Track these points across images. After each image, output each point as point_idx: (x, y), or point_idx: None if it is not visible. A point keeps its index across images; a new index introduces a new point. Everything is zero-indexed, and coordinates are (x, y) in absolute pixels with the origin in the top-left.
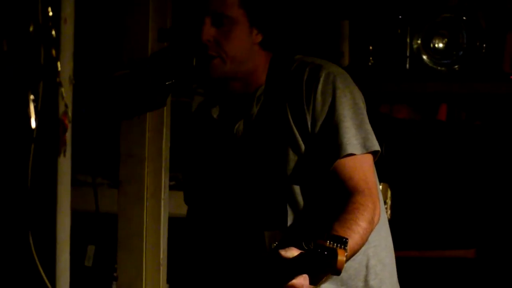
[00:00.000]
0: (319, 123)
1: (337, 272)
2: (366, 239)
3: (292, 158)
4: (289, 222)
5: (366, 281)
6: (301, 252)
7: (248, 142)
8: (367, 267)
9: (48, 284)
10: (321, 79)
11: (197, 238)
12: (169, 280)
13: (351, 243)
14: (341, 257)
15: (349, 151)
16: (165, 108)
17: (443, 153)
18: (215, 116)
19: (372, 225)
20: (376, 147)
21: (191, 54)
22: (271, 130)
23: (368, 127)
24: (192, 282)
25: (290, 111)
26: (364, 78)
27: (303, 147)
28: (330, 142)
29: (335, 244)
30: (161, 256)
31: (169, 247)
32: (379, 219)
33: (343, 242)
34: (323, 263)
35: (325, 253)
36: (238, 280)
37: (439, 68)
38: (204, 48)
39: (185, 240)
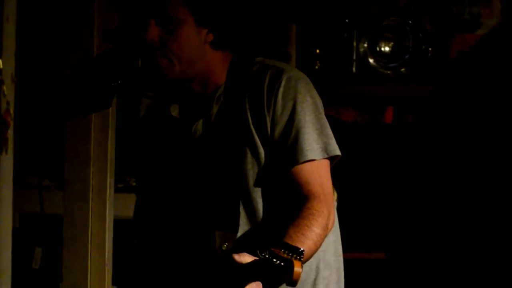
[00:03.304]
0: (279, 127)
1: (293, 283)
2: (320, 245)
3: (250, 160)
4: (243, 224)
5: (314, 284)
6: (255, 259)
7: (206, 142)
8: (316, 271)
9: None
10: (283, 83)
11: (145, 239)
12: (115, 282)
13: (305, 248)
14: (298, 268)
15: (309, 157)
16: (110, 109)
17: (388, 156)
18: (174, 114)
19: (326, 231)
20: (337, 151)
21: (137, 55)
22: (230, 132)
23: (329, 131)
24: (138, 283)
25: (250, 113)
26: (311, 81)
27: (261, 150)
28: (290, 147)
29: (291, 255)
30: (106, 257)
31: (116, 249)
32: (333, 225)
33: (299, 252)
34: (279, 274)
35: (282, 264)
36: (186, 281)
37: (385, 71)
38: (150, 48)
39: (132, 241)
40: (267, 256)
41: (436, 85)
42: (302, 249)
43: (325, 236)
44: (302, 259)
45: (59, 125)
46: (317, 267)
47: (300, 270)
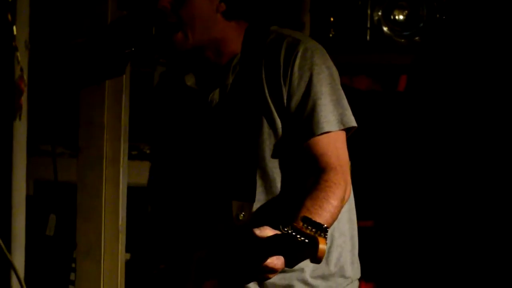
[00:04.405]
0: (295, 99)
1: (318, 260)
2: (337, 217)
3: (266, 131)
4: (260, 194)
5: (329, 252)
6: (276, 234)
7: (222, 112)
8: (330, 238)
9: (4, 248)
10: (299, 54)
11: (160, 207)
12: (128, 249)
13: (322, 221)
14: (322, 245)
15: (326, 129)
16: (124, 76)
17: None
18: (189, 83)
19: (343, 202)
20: (353, 123)
21: (150, 23)
22: (247, 102)
23: (345, 102)
24: (152, 251)
25: (266, 84)
26: (325, 49)
27: (278, 120)
28: (306, 119)
29: (314, 231)
30: (120, 223)
31: (129, 216)
32: (349, 196)
33: (323, 229)
34: (303, 250)
35: (306, 241)
36: (201, 249)
37: (399, 40)
38: (162, 15)
39: (146, 208)
40: (290, 231)
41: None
42: (325, 225)
43: (342, 207)
44: (326, 236)
45: (73, 92)
46: (332, 235)
47: (325, 247)
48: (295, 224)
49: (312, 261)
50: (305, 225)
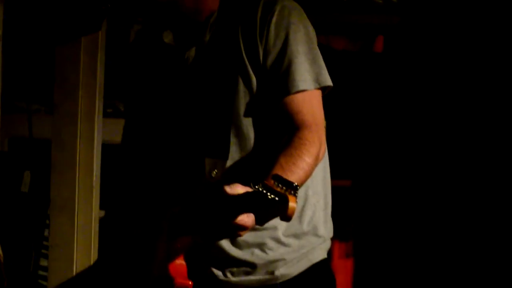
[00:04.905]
0: (271, 57)
1: (288, 218)
2: (310, 175)
3: (242, 89)
4: (233, 152)
5: (302, 211)
6: (247, 191)
7: (198, 69)
8: (304, 197)
9: None
10: (276, 13)
11: (135, 164)
12: (102, 207)
13: (296, 178)
14: (292, 203)
15: (301, 87)
16: (100, 32)
17: (378, 84)
18: (166, 40)
19: (317, 161)
20: (329, 82)
21: None
22: (222, 59)
23: (321, 62)
24: (126, 208)
25: (242, 42)
26: (302, 8)
27: (253, 78)
28: (282, 77)
29: (285, 189)
30: (94, 180)
31: (103, 174)
32: (324, 154)
33: (293, 187)
34: (273, 208)
35: (276, 198)
36: (175, 206)
37: (376, 0)
38: None
39: (120, 166)
40: (260, 189)
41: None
42: (296, 183)
43: (316, 165)
44: (296, 194)
45: (48, 49)
46: (306, 194)
47: (295, 205)
48: (266, 182)
49: (282, 219)
50: (276, 183)
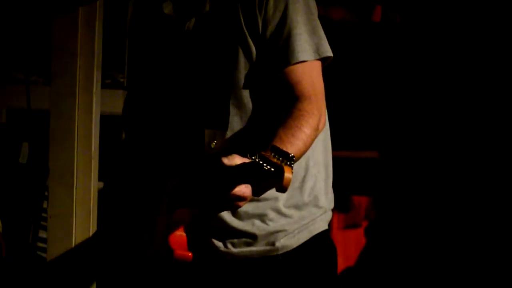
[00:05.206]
0: (270, 27)
1: (283, 189)
2: (310, 146)
3: (242, 59)
4: (233, 123)
5: (303, 181)
6: (244, 162)
7: (198, 41)
8: (305, 168)
9: None
10: None
11: (135, 135)
12: (101, 178)
13: (295, 150)
14: (288, 174)
15: (301, 58)
16: (98, 2)
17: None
18: (166, 11)
19: (316, 132)
20: (329, 52)
21: None
22: (222, 30)
23: (321, 32)
24: (125, 179)
25: (242, 12)
26: None
27: (253, 49)
28: (281, 48)
29: (281, 159)
30: (93, 150)
31: (102, 145)
32: (324, 125)
33: (289, 158)
34: (269, 179)
35: (272, 169)
36: (174, 177)
37: None
38: None
39: (119, 138)
40: (257, 160)
41: None
42: (292, 154)
43: (316, 136)
44: (292, 165)
45: (46, 19)
46: (306, 165)
47: (291, 176)
48: (262, 153)
49: (278, 190)
50: (272, 154)
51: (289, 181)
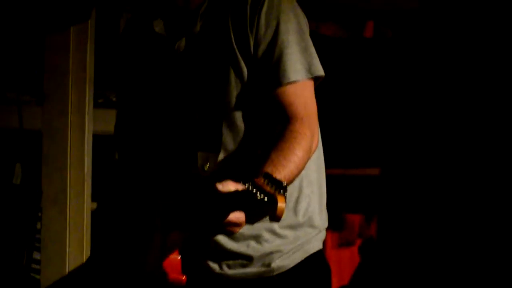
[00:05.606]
0: (262, 47)
1: (277, 218)
2: (303, 168)
3: (233, 80)
4: (226, 144)
5: (297, 202)
6: (237, 190)
7: (189, 60)
8: (299, 188)
9: None
10: (266, 2)
11: (127, 155)
12: (94, 199)
13: (287, 173)
14: (281, 204)
15: (293, 78)
16: (89, 21)
17: (368, 70)
18: (157, 29)
19: (309, 153)
20: (321, 71)
21: None
22: (213, 50)
23: (313, 51)
24: (118, 200)
25: (233, 32)
26: None
27: (244, 69)
28: (273, 68)
29: (274, 187)
30: (86, 171)
31: (95, 165)
32: (317, 146)
33: (282, 186)
34: (262, 208)
35: (265, 199)
36: (167, 198)
37: None
38: None
39: (112, 157)
40: (250, 188)
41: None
42: (285, 183)
43: (309, 158)
44: (285, 194)
45: (38, 38)
46: (300, 185)
47: (284, 205)
48: (256, 180)
49: (271, 219)
50: (265, 181)
51: (282, 210)
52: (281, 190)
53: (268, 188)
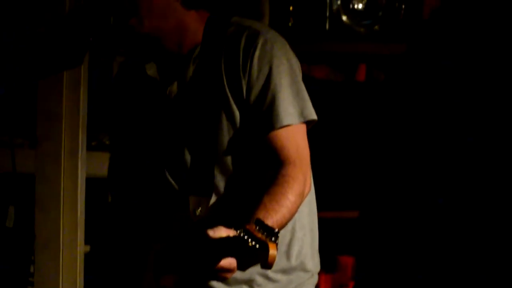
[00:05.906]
0: (254, 91)
1: (268, 266)
2: (295, 212)
3: (225, 123)
4: (218, 189)
5: (289, 245)
6: (229, 236)
7: (181, 104)
8: (291, 232)
9: None
10: (259, 46)
11: (120, 199)
12: (87, 241)
13: (280, 217)
14: (273, 251)
15: (285, 122)
16: (82, 66)
17: (361, 114)
18: (149, 73)
19: (301, 197)
20: (313, 115)
21: (108, 11)
22: (205, 94)
23: (305, 95)
24: (111, 243)
25: (225, 76)
26: (284, 38)
27: (237, 113)
28: (266, 112)
29: (265, 234)
30: (79, 215)
31: (88, 208)
32: (309, 190)
33: (273, 233)
34: (254, 255)
35: (257, 246)
36: (159, 242)
37: (358, 28)
38: (120, 2)
39: (105, 200)
40: (242, 234)
41: (411, 44)
42: (277, 230)
43: (301, 202)
44: (277, 242)
45: (31, 82)
46: (293, 229)
47: (275, 253)
48: (247, 227)
49: (262, 267)
50: (257, 227)
51: (273, 258)
52: (273, 238)
53: (259, 235)
